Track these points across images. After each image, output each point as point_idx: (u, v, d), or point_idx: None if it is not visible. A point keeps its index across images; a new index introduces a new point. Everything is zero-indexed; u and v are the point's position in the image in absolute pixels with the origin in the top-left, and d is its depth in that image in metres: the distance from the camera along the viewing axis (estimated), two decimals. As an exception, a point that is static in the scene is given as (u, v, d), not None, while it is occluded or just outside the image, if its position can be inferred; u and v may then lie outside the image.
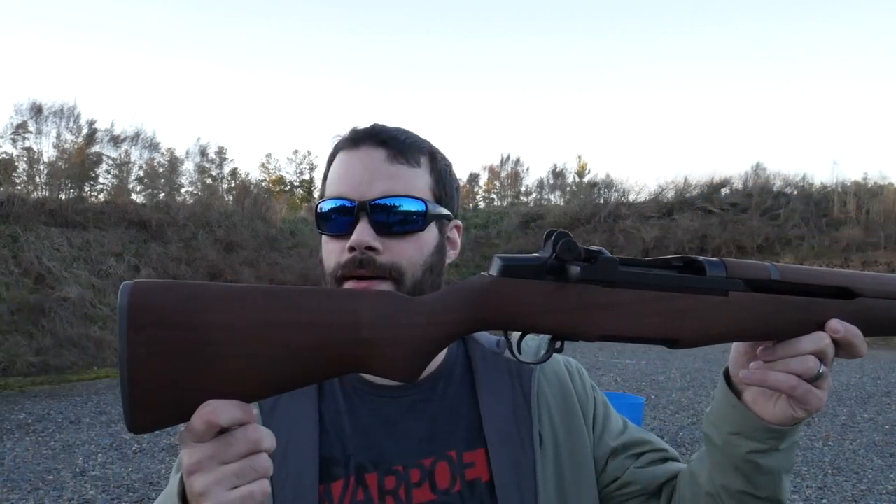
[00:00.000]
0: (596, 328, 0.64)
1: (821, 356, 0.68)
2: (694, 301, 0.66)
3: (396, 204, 0.80)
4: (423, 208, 0.82)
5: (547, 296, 0.63)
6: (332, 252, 0.83)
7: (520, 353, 0.68)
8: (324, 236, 0.85)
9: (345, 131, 0.87)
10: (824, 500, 5.06)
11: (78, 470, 5.63)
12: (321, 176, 0.91)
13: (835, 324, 0.67)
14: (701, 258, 0.68)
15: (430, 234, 0.84)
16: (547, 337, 0.68)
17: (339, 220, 0.81)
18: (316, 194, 37.50)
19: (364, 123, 0.87)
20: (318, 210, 0.83)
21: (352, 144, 0.84)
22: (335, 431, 0.84)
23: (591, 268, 0.63)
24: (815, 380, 0.68)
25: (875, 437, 6.95)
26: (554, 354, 0.91)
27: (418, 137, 0.88)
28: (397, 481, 0.81)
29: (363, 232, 0.79)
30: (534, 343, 0.87)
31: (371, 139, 0.83)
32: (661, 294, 0.65)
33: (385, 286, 0.79)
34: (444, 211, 0.86)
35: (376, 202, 0.80)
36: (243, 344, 0.58)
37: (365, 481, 0.81)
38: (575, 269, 0.62)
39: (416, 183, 0.83)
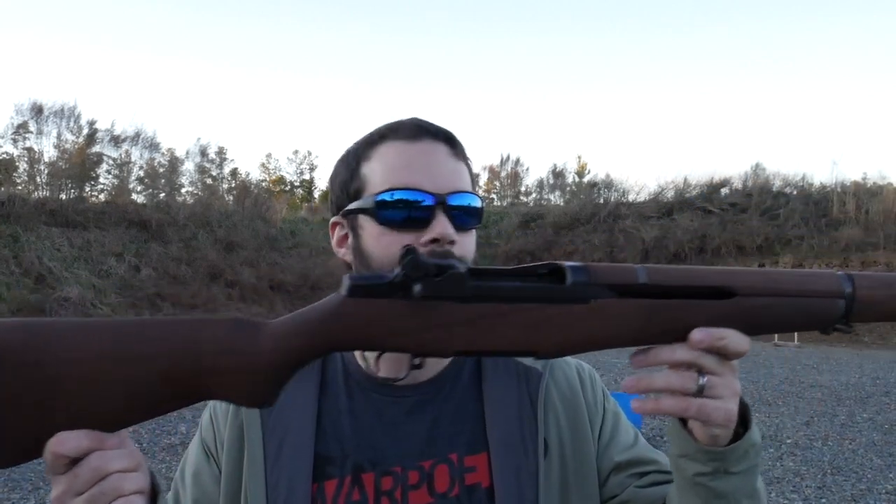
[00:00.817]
0: (450, 345, 0.62)
1: (697, 368, 0.63)
2: (554, 311, 0.63)
3: (468, 201, 0.82)
4: (481, 205, 0.84)
5: (396, 315, 0.62)
6: (397, 243, 0.78)
7: (378, 370, 0.66)
8: (380, 227, 0.80)
9: (393, 123, 0.85)
10: (823, 500, 5.07)
11: (78, 469, 5.65)
12: (342, 170, 0.88)
13: (696, 335, 0.62)
14: (566, 264, 0.64)
15: (474, 231, 0.86)
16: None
17: (414, 212, 0.79)
18: (317, 191, 37.50)
19: (438, 118, 0.87)
20: (382, 198, 0.80)
21: (413, 136, 0.82)
22: (333, 429, 0.83)
23: (437, 284, 0.61)
24: (703, 392, 0.62)
25: (874, 436, 6.95)
26: (567, 358, 0.91)
27: None
28: (395, 482, 0.80)
29: (447, 225, 0.78)
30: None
31: (431, 134, 0.83)
32: (517, 306, 0.62)
33: None
34: None
35: (454, 198, 0.80)
36: (91, 379, 0.58)
37: (361, 481, 0.80)
38: (417, 287, 0.61)
39: (468, 180, 0.85)
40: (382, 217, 0.80)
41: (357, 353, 0.86)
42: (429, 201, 0.79)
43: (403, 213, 0.79)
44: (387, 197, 0.80)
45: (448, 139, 0.84)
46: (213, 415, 0.88)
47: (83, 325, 0.60)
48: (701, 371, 0.63)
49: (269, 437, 0.82)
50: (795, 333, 15.84)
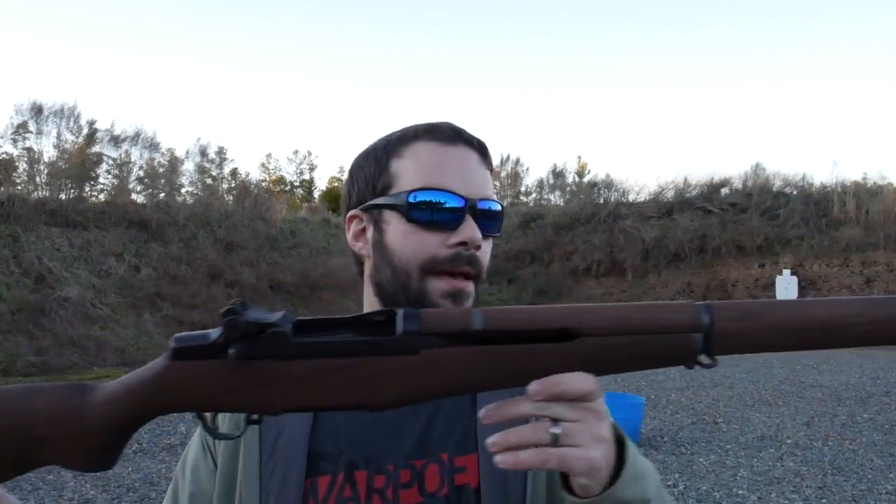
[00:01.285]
0: (278, 404, 0.61)
1: (549, 417, 0.60)
2: (383, 364, 0.61)
3: (495, 209, 0.85)
4: (503, 215, 0.87)
5: (220, 376, 0.61)
6: (424, 243, 0.80)
7: (217, 429, 0.66)
8: (408, 225, 0.81)
9: (429, 125, 0.86)
10: (824, 500, 5.07)
11: (78, 470, 5.65)
12: (368, 163, 0.88)
13: (531, 387, 0.59)
14: (399, 310, 0.62)
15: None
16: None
17: (446, 214, 0.81)
18: (317, 191, 37.48)
19: (420, 121, 0.88)
20: (415, 197, 0.81)
21: (449, 140, 0.84)
22: (329, 426, 0.83)
23: (258, 344, 0.60)
24: (560, 442, 0.59)
25: (874, 436, 6.95)
26: None
27: None
28: (387, 480, 0.80)
29: (477, 230, 0.81)
30: None
31: (468, 141, 0.86)
32: (343, 361, 0.61)
33: (473, 287, 0.83)
34: None
35: (485, 204, 0.83)
36: None
37: (354, 478, 0.80)
38: (238, 348, 0.60)
39: (493, 188, 0.88)
40: (412, 215, 0.81)
41: None
42: (460, 205, 0.81)
43: (434, 213, 0.80)
44: (419, 196, 0.81)
45: (481, 147, 0.87)
46: None
47: None
48: (555, 420, 0.59)
49: (265, 432, 0.82)
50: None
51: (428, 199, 0.81)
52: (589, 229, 22.71)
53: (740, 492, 5.20)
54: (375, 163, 0.86)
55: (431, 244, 0.80)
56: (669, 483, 5.39)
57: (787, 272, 17.59)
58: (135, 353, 12.00)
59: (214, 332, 0.61)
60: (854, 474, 5.68)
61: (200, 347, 0.61)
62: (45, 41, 50.91)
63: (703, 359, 0.62)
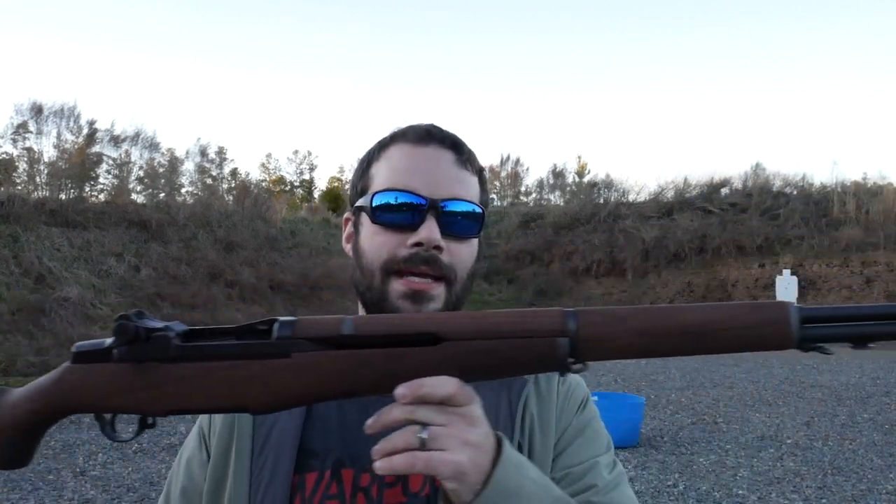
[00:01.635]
0: (163, 404, 0.65)
1: (417, 421, 0.61)
2: (258, 367, 0.64)
3: (464, 208, 0.83)
4: (482, 215, 0.85)
5: (111, 378, 0.65)
6: (386, 244, 0.81)
7: (115, 432, 0.69)
8: (373, 226, 0.83)
9: (405, 126, 0.88)
10: (824, 500, 5.06)
11: (78, 470, 5.64)
12: (357, 167, 0.90)
13: (398, 390, 0.61)
14: (280, 318, 0.66)
15: (477, 241, 0.87)
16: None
17: (404, 214, 0.81)
18: (317, 191, 37.48)
19: (420, 121, 0.88)
20: (378, 199, 0.82)
21: (420, 141, 0.85)
22: (321, 424, 0.84)
23: (144, 347, 0.64)
24: (427, 445, 0.60)
25: (875, 436, 6.95)
26: None
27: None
28: (372, 479, 0.81)
29: (434, 230, 0.80)
30: None
31: (440, 140, 0.85)
32: (223, 364, 0.64)
33: (440, 289, 0.81)
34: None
35: (447, 203, 0.81)
36: None
37: (341, 476, 0.81)
38: (125, 351, 0.64)
39: (474, 190, 0.86)
40: (376, 216, 0.82)
41: None
42: (421, 205, 0.80)
43: (395, 214, 0.81)
44: (382, 197, 0.82)
45: (455, 146, 0.85)
46: None
47: None
48: (425, 424, 0.61)
49: (258, 427, 0.84)
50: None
51: (388, 201, 0.82)
52: (589, 229, 22.70)
53: (740, 492, 5.20)
54: (360, 166, 0.89)
55: (392, 244, 0.81)
56: (669, 483, 5.39)
57: (787, 272, 17.59)
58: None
59: (110, 339, 0.66)
60: (854, 474, 5.68)
61: (95, 352, 0.66)
62: (46, 41, 50.94)
63: (573, 364, 0.63)
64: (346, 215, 0.91)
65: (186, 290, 14.55)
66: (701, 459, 6.05)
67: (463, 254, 0.84)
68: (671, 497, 5.07)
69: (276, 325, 0.65)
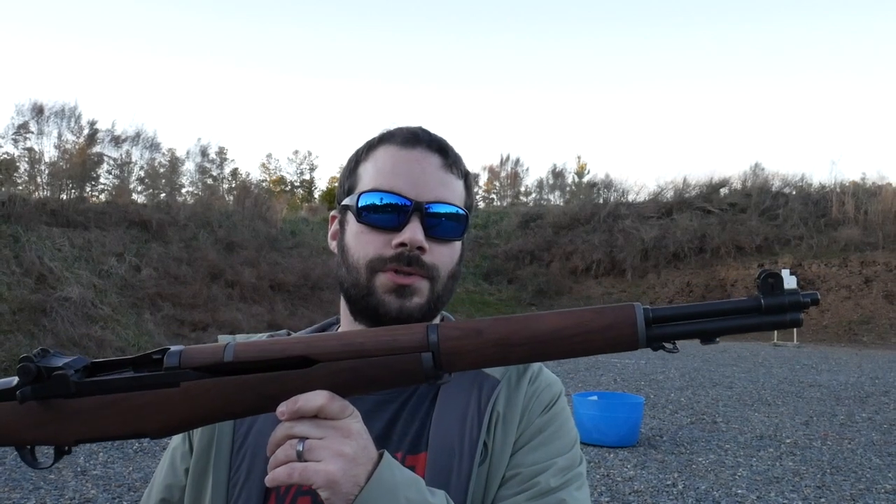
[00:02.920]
0: (71, 435, 0.71)
1: (295, 436, 0.66)
2: (150, 397, 0.69)
3: (447, 211, 0.85)
4: (466, 218, 0.87)
5: (20, 415, 0.70)
6: (372, 243, 0.84)
7: (35, 460, 0.74)
8: (359, 225, 0.85)
9: (394, 128, 0.90)
10: (823, 500, 5.08)
11: (79, 469, 5.65)
12: (345, 166, 0.92)
13: (279, 408, 0.66)
14: (170, 349, 0.71)
15: (460, 243, 0.89)
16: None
17: (390, 215, 0.83)
18: (317, 191, 37.48)
19: (409, 123, 0.90)
20: (364, 199, 0.84)
21: (407, 143, 0.86)
22: None
23: (45, 386, 0.69)
24: (304, 457, 0.65)
25: (873, 436, 6.97)
26: (532, 365, 0.91)
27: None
28: None
29: (417, 231, 0.82)
30: None
31: (427, 143, 0.86)
32: (118, 396, 0.70)
33: (424, 284, 0.84)
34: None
35: (432, 206, 0.83)
36: None
37: None
38: (28, 390, 0.69)
39: (458, 193, 0.88)
40: (362, 216, 0.84)
41: None
42: (405, 206, 0.82)
43: (380, 214, 0.83)
44: (367, 197, 0.84)
45: (441, 150, 0.87)
46: None
47: None
48: (303, 438, 0.66)
49: (239, 423, 0.87)
50: (794, 332, 15.83)
51: (373, 201, 0.84)
52: (588, 229, 22.71)
53: (739, 491, 5.21)
54: (349, 165, 0.91)
55: (377, 244, 0.84)
56: (668, 482, 5.41)
57: (786, 272, 17.58)
58: (135, 352, 11.92)
59: (15, 379, 0.71)
60: (853, 473, 5.70)
61: (2, 392, 0.71)
62: (46, 42, 50.92)
63: (435, 377, 0.67)
64: (332, 213, 0.94)
65: (187, 290, 14.56)
66: (700, 459, 6.06)
67: (445, 255, 0.86)
68: (670, 496, 5.09)
69: (166, 357, 0.70)
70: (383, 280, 0.83)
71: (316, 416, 0.66)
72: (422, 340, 0.67)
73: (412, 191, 0.83)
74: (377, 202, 0.84)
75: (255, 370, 0.68)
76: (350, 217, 0.87)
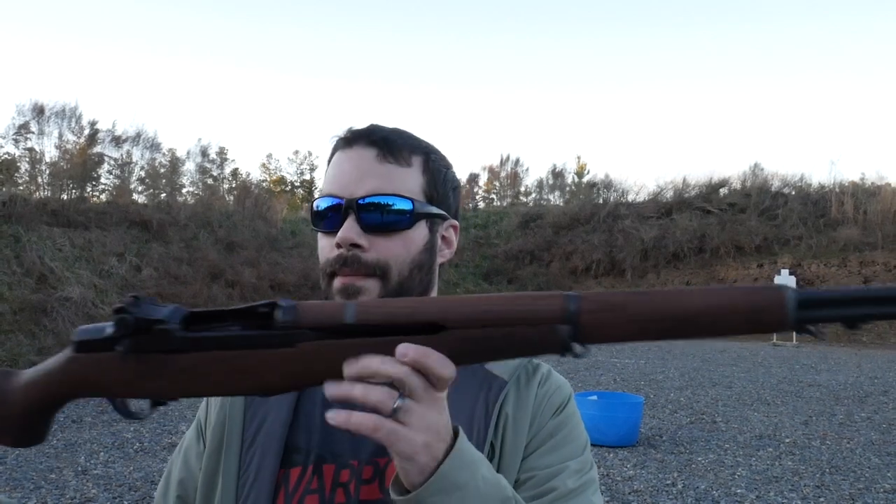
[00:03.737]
0: (170, 391, 0.66)
1: (398, 385, 0.59)
2: (263, 356, 0.64)
3: (383, 202, 0.83)
4: (411, 207, 0.84)
5: (114, 368, 0.67)
6: (324, 249, 0.86)
7: (129, 409, 0.71)
8: (319, 233, 0.88)
9: (342, 132, 0.90)
10: (822, 499, 5.10)
11: (80, 469, 5.67)
12: (322, 176, 0.95)
13: (401, 347, 0.59)
14: (279, 303, 0.64)
15: (419, 232, 0.86)
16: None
17: (331, 218, 0.84)
18: (317, 191, 37.37)
19: (362, 124, 0.90)
20: (314, 208, 0.87)
21: (346, 144, 0.87)
22: (306, 420, 0.87)
23: (146, 339, 0.65)
24: (397, 415, 0.59)
25: (872, 435, 6.99)
26: (542, 366, 0.93)
27: (414, 138, 0.89)
28: (350, 475, 0.83)
29: (349, 229, 0.82)
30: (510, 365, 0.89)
31: (363, 139, 0.86)
32: (228, 353, 0.65)
33: (371, 283, 0.82)
34: (436, 210, 0.88)
35: (363, 200, 0.83)
36: None
37: (322, 471, 0.84)
38: (127, 343, 0.65)
39: (405, 182, 0.85)
40: (316, 224, 0.87)
41: None
42: (338, 206, 0.84)
43: (324, 219, 0.85)
44: (317, 205, 0.87)
45: (377, 142, 0.85)
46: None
47: None
48: (402, 392, 0.59)
49: (248, 423, 0.88)
50: (794, 332, 16.06)
51: (318, 207, 0.86)
52: (588, 229, 22.73)
53: (739, 490, 5.23)
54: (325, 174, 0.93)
55: (327, 248, 0.86)
56: (668, 482, 5.42)
57: (785, 272, 17.61)
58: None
59: (111, 327, 0.66)
60: (852, 473, 5.71)
61: (97, 341, 0.67)
62: (47, 41, 50.88)
63: (574, 348, 0.63)
64: None
65: (187, 289, 14.57)
66: (699, 458, 6.08)
67: (393, 248, 0.83)
68: (670, 496, 5.10)
69: (278, 312, 0.64)
70: (336, 284, 0.84)
71: (429, 381, 0.60)
72: (560, 311, 0.62)
73: (345, 189, 0.84)
74: (319, 208, 0.86)
75: (377, 334, 0.63)
76: None
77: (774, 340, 16.46)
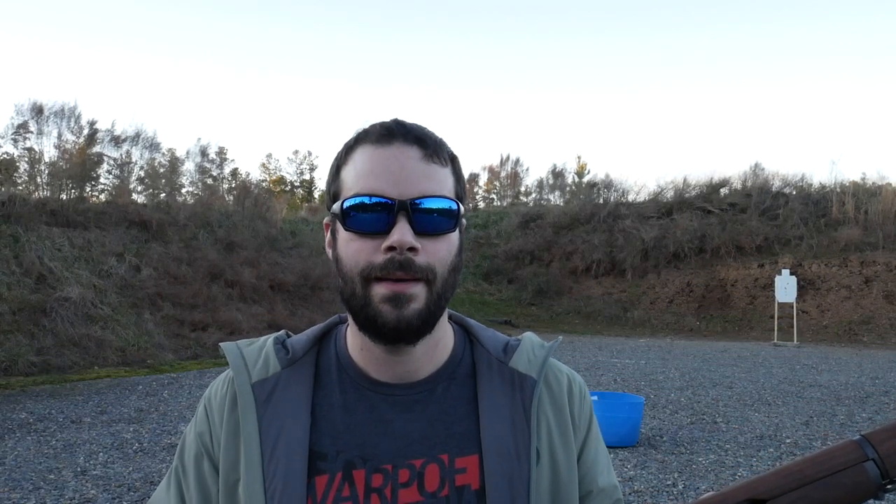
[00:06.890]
0: None
1: None
2: None
3: (436, 205, 0.79)
4: (456, 208, 0.81)
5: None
6: (362, 251, 0.79)
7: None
8: (347, 233, 0.80)
9: (367, 124, 0.85)
10: (822, 499, 5.08)
11: (79, 469, 5.65)
12: (329, 171, 0.88)
13: None
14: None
15: (456, 234, 0.83)
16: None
17: (375, 218, 0.78)
18: (317, 191, 37.51)
19: (383, 118, 0.85)
20: (347, 205, 0.80)
21: (382, 140, 0.81)
22: (327, 425, 0.83)
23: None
24: None
25: (873, 436, 6.96)
26: (560, 367, 0.93)
27: (440, 136, 0.86)
28: (384, 480, 0.80)
29: (405, 232, 0.76)
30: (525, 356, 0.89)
31: (404, 136, 0.81)
32: None
33: (419, 288, 0.78)
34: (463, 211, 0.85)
35: (418, 202, 0.78)
36: None
37: (352, 477, 0.80)
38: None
39: (447, 183, 0.82)
40: (348, 223, 0.80)
41: (351, 347, 0.87)
42: (390, 207, 0.78)
43: (365, 219, 0.79)
44: (350, 203, 0.79)
45: (419, 140, 0.81)
46: (208, 407, 0.88)
47: None
48: None
49: (265, 433, 0.82)
50: (795, 332, 15.77)
51: (358, 205, 0.79)
52: (589, 229, 22.73)
53: (739, 491, 5.21)
54: (332, 170, 0.87)
55: (367, 251, 0.79)
56: (669, 482, 5.40)
57: (786, 272, 17.60)
58: (135, 352, 12.02)
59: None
60: (852, 473, 5.69)
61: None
62: (46, 42, 50.91)
63: (888, 485, 0.68)
64: (325, 220, 0.89)
65: (187, 289, 14.56)
66: (700, 459, 6.06)
67: (440, 251, 0.80)
68: (670, 496, 5.08)
69: None
70: (378, 290, 0.78)
71: None
72: (858, 453, 0.69)
73: (394, 189, 0.78)
74: (360, 205, 0.79)
75: None
76: (339, 226, 0.82)
77: (775, 341, 16.44)
